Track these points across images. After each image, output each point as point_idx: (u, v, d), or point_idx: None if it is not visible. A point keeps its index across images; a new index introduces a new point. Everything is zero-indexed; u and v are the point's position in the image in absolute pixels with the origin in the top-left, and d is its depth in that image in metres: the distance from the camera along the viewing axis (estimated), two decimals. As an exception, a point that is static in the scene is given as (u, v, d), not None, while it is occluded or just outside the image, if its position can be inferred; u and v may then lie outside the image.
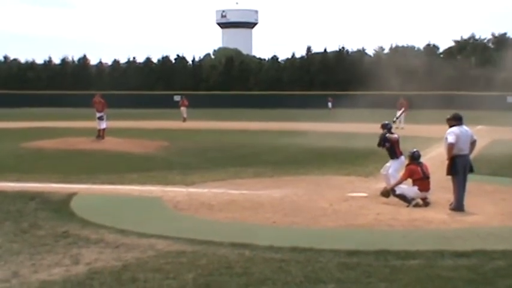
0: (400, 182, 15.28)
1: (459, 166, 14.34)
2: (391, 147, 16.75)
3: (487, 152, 27.02)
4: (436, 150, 25.08)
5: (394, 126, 18.10)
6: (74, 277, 9.02)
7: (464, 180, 14.44)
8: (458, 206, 14.23)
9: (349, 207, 14.62)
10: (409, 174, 15.18)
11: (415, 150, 15.80)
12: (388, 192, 15.27)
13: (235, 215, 13.75)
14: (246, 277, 9.00)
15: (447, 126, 14.66)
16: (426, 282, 8.85)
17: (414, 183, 15.02)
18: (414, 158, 15.50)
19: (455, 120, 14.67)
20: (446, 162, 14.59)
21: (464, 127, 14.62)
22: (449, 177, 14.61)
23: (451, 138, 14.29)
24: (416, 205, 14.74)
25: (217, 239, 11.27)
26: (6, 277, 9.02)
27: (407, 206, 14.69)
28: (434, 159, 21.70)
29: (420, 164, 15.40)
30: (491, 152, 26.84)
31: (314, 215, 13.68)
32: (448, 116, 14.89)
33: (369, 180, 18.61)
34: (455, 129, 14.43)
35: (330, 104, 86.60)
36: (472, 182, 16.00)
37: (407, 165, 15.59)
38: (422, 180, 15.00)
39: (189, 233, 11.79)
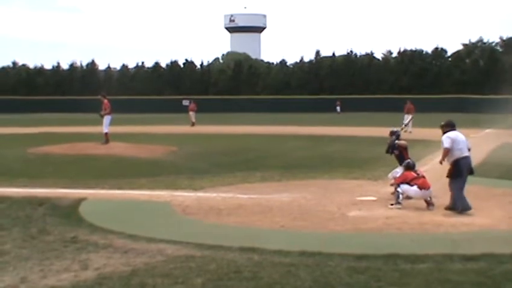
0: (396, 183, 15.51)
1: (463, 168, 14.66)
2: (399, 154, 16.83)
3: (496, 155, 26.99)
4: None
5: (401, 131, 18.11)
6: (83, 282, 9.02)
7: (464, 182, 14.65)
8: (465, 206, 14.28)
9: (358, 211, 14.59)
10: (402, 179, 15.31)
11: (409, 160, 16.10)
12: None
13: (243, 219, 13.75)
14: (255, 281, 8.99)
15: (458, 129, 15.00)
16: (435, 286, 8.83)
17: (412, 183, 15.03)
18: (410, 167, 15.68)
19: (448, 127, 15.17)
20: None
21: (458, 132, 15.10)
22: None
23: (446, 143, 14.73)
24: (397, 205, 14.86)
25: (226, 243, 11.26)
26: (15, 283, 9.03)
27: (392, 205, 14.94)
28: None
29: (414, 170, 15.55)
30: (499, 155, 26.79)
31: (323, 219, 13.67)
32: (442, 123, 15.40)
33: (378, 184, 18.57)
34: (450, 133, 14.92)
35: (338, 108, 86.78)
36: (480, 186, 16.04)
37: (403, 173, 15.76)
38: (417, 178, 15.07)
39: (197, 238, 11.78)
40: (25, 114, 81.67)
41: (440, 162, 15.07)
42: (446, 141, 14.73)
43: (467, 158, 14.75)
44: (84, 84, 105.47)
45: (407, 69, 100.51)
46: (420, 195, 14.97)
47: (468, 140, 15.41)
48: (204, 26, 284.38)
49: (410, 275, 9.29)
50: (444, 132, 15.01)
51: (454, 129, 15.08)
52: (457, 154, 14.60)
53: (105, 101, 32.03)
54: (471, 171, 14.96)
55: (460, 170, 14.56)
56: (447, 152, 14.69)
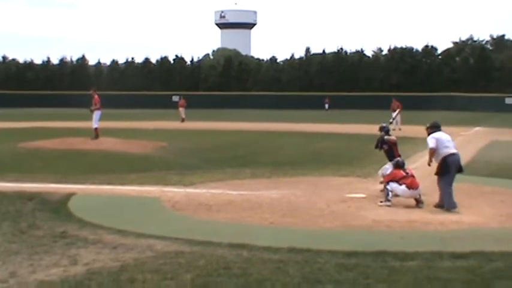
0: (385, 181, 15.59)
1: (451, 164, 14.79)
2: (389, 150, 16.86)
3: (485, 153, 27.08)
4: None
5: (391, 127, 18.15)
6: (72, 277, 9.01)
7: (453, 179, 14.74)
8: (450, 204, 14.37)
9: (347, 208, 14.62)
10: (391, 177, 15.36)
11: (398, 158, 16.20)
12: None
13: (233, 215, 13.76)
14: (244, 278, 9.00)
15: (447, 127, 15.09)
16: (424, 284, 8.85)
17: (401, 182, 15.07)
18: (399, 165, 15.76)
19: (434, 128, 15.37)
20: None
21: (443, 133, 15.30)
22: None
23: (431, 143, 14.97)
24: (387, 203, 14.92)
25: (215, 239, 11.26)
26: (4, 277, 9.01)
27: (381, 202, 14.97)
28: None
29: (403, 168, 15.58)
30: (489, 154, 26.89)
31: (312, 216, 13.68)
32: (427, 125, 15.59)
33: (368, 181, 18.60)
34: (434, 134, 15.12)
35: (326, 106, 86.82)
36: (470, 184, 16.04)
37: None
38: (406, 177, 15.12)
39: (187, 234, 11.78)
40: (15, 108, 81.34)
41: (429, 164, 15.24)
42: (431, 141, 14.97)
43: (455, 155, 14.92)
44: (74, 79, 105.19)
45: (397, 67, 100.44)
46: (408, 195, 15.02)
47: (454, 141, 15.53)
48: (194, 22, 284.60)
49: (399, 272, 9.32)
50: (429, 134, 15.20)
51: (440, 130, 15.24)
52: (444, 152, 14.79)
53: (95, 96, 31.96)
54: (460, 169, 15.06)
55: (447, 167, 14.71)
56: (433, 152, 14.93)
